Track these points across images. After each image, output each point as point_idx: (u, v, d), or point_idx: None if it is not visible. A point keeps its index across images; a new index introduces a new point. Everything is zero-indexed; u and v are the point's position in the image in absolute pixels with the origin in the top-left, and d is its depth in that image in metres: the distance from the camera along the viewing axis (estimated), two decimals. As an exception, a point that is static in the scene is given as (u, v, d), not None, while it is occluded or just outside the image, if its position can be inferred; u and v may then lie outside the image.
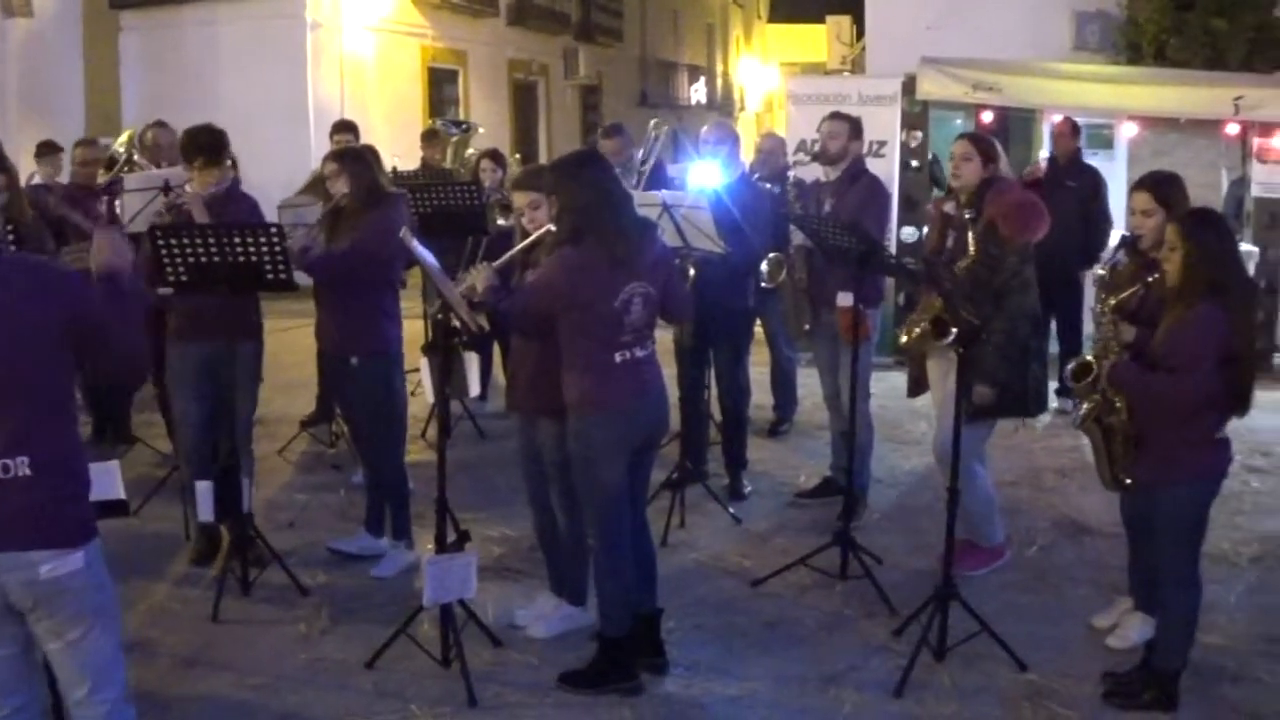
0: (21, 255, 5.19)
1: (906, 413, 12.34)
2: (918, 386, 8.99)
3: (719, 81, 50.88)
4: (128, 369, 5.27)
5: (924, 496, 10.42)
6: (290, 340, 14.49)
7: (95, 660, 4.87)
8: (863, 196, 9.49)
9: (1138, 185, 7.37)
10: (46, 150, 13.54)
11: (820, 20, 48.60)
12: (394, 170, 13.98)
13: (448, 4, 26.99)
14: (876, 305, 9.82)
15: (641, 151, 10.82)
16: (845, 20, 43.01)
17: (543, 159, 28.80)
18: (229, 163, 9.13)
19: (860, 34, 28.86)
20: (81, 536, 4.77)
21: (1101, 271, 7.25)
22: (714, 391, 10.43)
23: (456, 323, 6.99)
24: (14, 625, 4.76)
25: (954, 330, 7.58)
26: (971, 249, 8.23)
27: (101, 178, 11.62)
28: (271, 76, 23.21)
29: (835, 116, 9.79)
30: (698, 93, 46.37)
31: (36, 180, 13.11)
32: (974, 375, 7.80)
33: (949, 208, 8.63)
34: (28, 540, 4.61)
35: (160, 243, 7.93)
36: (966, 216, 8.36)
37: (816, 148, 9.92)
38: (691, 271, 9.17)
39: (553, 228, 6.84)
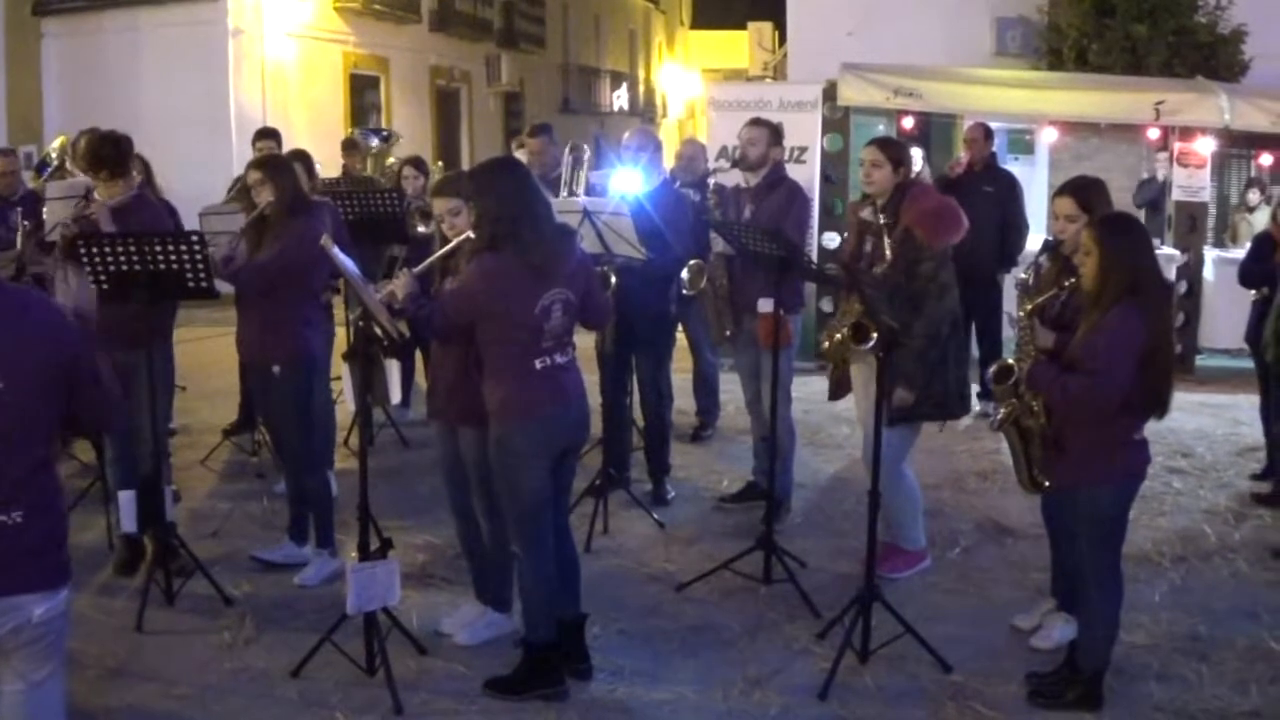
0: (20, 289, 5.12)
1: (828, 417, 12.42)
2: (839, 390, 9.02)
3: (641, 88, 50.89)
4: (113, 413, 5.22)
5: (846, 500, 10.49)
6: (211, 348, 14.46)
7: (47, 702, 4.86)
8: (782, 202, 9.54)
9: (1061, 190, 7.45)
10: None
11: (742, 27, 48.86)
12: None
13: (370, 10, 26.90)
14: (797, 311, 9.87)
15: (561, 171, 10.83)
16: (767, 26, 43.25)
17: (465, 166, 28.72)
18: (134, 172, 9.06)
19: (782, 40, 28.94)
20: (67, 576, 4.79)
21: (1023, 275, 7.31)
22: (636, 397, 10.48)
23: (378, 330, 6.99)
24: None
25: (874, 335, 7.64)
26: (888, 254, 8.28)
27: (33, 182, 11.54)
28: (193, 83, 23.08)
29: (755, 123, 9.83)
30: (620, 99, 46.37)
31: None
32: (894, 379, 7.86)
33: (865, 213, 8.68)
34: (23, 584, 4.60)
35: (82, 251, 7.90)
36: (882, 222, 8.41)
37: (737, 154, 9.97)
38: (613, 278, 9.20)
39: (472, 234, 6.85)
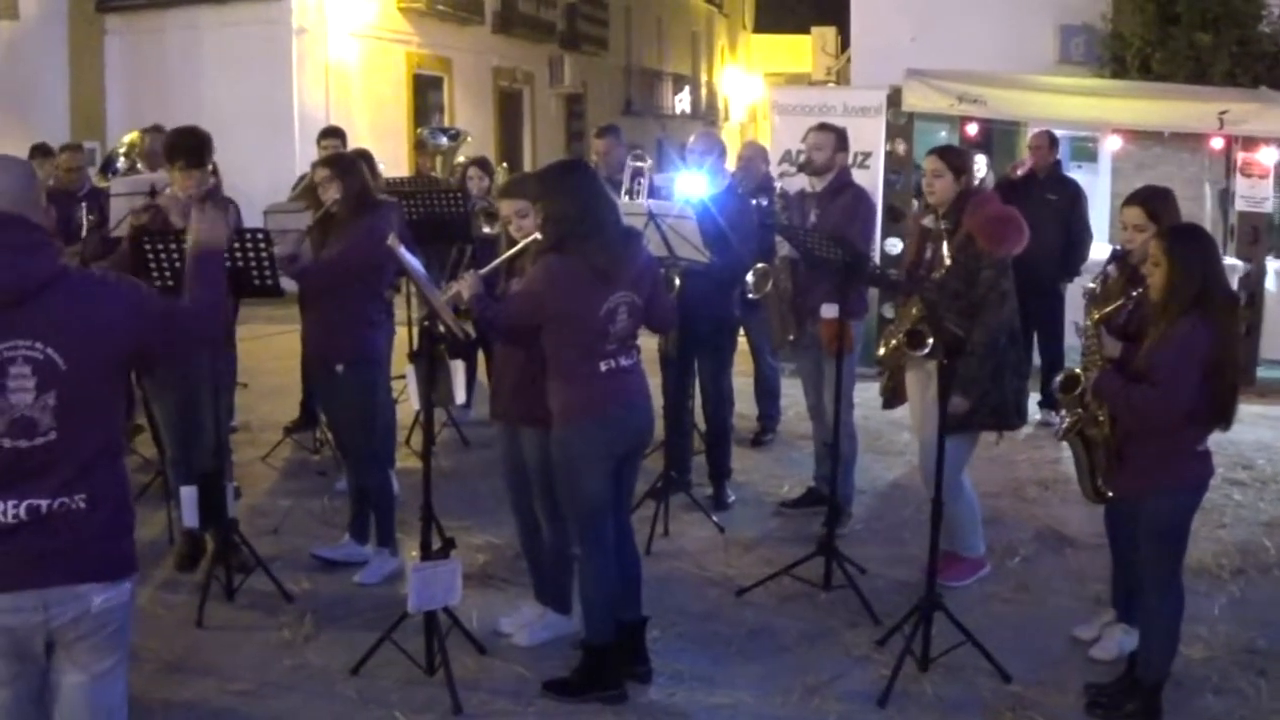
0: (90, 272, 5.14)
1: (888, 424, 12.36)
2: (894, 398, 9.00)
3: (703, 91, 50.84)
4: (202, 345, 5.27)
5: (906, 507, 10.44)
6: (274, 346, 14.51)
7: (109, 696, 4.84)
8: (848, 208, 9.52)
9: (1129, 200, 7.40)
10: (39, 154, 13.46)
11: (805, 31, 48.80)
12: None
13: (433, 11, 26.93)
14: (860, 317, 9.85)
15: (625, 181, 10.86)
16: (830, 31, 43.20)
17: (527, 167, 28.76)
18: (210, 167, 9.08)
19: (845, 45, 28.87)
20: (131, 568, 4.78)
21: (1091, 285, 7.27)
22: (697, 401, 10.46)
23: (441, 330, 7.00)
24: (39, 663, 4.71)
25: (929, 342, 7.62)
26: (947, 261, 8.26)
27: (99, 181, 11.59)
28: (256, 82, 23.10)
29: (821, 128, 9.81)
30: (682, 102, 46.34)
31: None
32: (953, 387, 7.82)
33: (927, 221, 8.66)
34: (83, 574, 4.59)
35: (146, 246, 7.93)
36: (943, 229, 8.39)
37: (802, 159, 9.95)
38: (677, 281, 9.18)
39: (539, 236, 6.86)
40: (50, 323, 4.45)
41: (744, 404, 11.96)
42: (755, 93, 54.64)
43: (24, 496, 4.47)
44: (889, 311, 14.05)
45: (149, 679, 7.29)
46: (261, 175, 17.72)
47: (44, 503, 4.49)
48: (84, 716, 4.79)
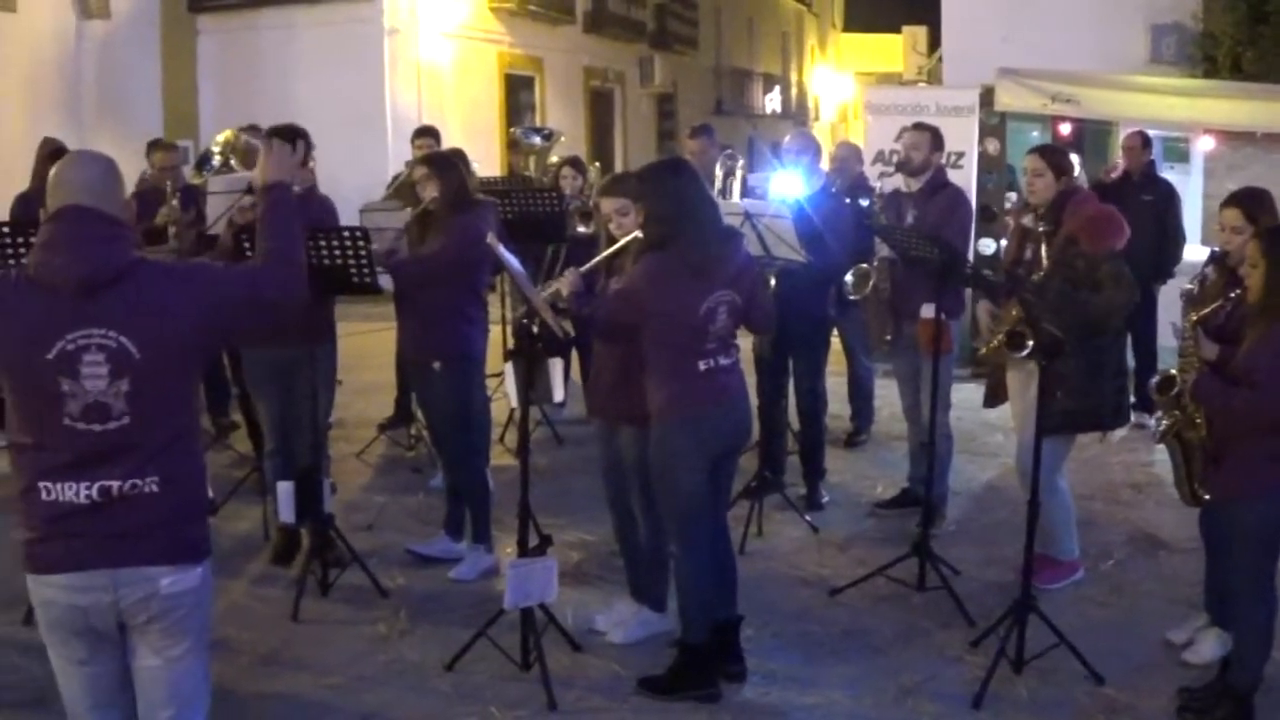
0: (163, 262, 5.19)
1: (982, 425, 12.31)
2: (995, 398, 8.97)
3: (793, 90, 50.75)
4: (285, 306, 5.13)
5: (999, 509, 10.38)
6: (366, 344, 14.58)
7: (187, 680, 4.87)
8: (946, 208, 9.51)
9: (1228, 201, 7.33)
10: (156, 149, 13.46)
11: (896, 30, 48.58)
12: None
13: (525, 11, 27.00)
14: (957, 317, 9.82)
15: (717, 181, 10.88)
16: (921, 30, 42.99)
17: (618, 167, 28.81)
18: (310, 165, 9.14)
19: (935, 44, 28.74)
20: (201, 554, 4.81)
21: (1189, 286, 7.22)
22: (792, 401, 10.45)
23: (536, 328, 7.02)
24: (115, 643, 4.76)
25: (1029, 343, 7.59)
26: (1046, 262, 8.23)
27: (195, 178, 11.67)
28: (348, 82, 23.16)
29: (918, 127, 9.80)
30: (772, 101, 46.30)
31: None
32: (1055, 388, 7.77)
33: (1026, 220, 8.62)
34: (152, 556, 4.63)
35: (245, 243, 7.99)
36: (1042, 230, 8.35)
37: (896, 159, 9.92)
38: (772, 281, 9.17)
39: (639, 234, 6.88)
40: (124, 312, 4.52)
41: (837, 404, 11.92)
42: (845, 92, 54.56)
43: (97, 479, 4.54)
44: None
45: (244, 671, 7.39)
46: (353, 175, 17.75)
47: (115, 484, 4.55)
48: (161, 700, 4.84)
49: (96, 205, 4.60)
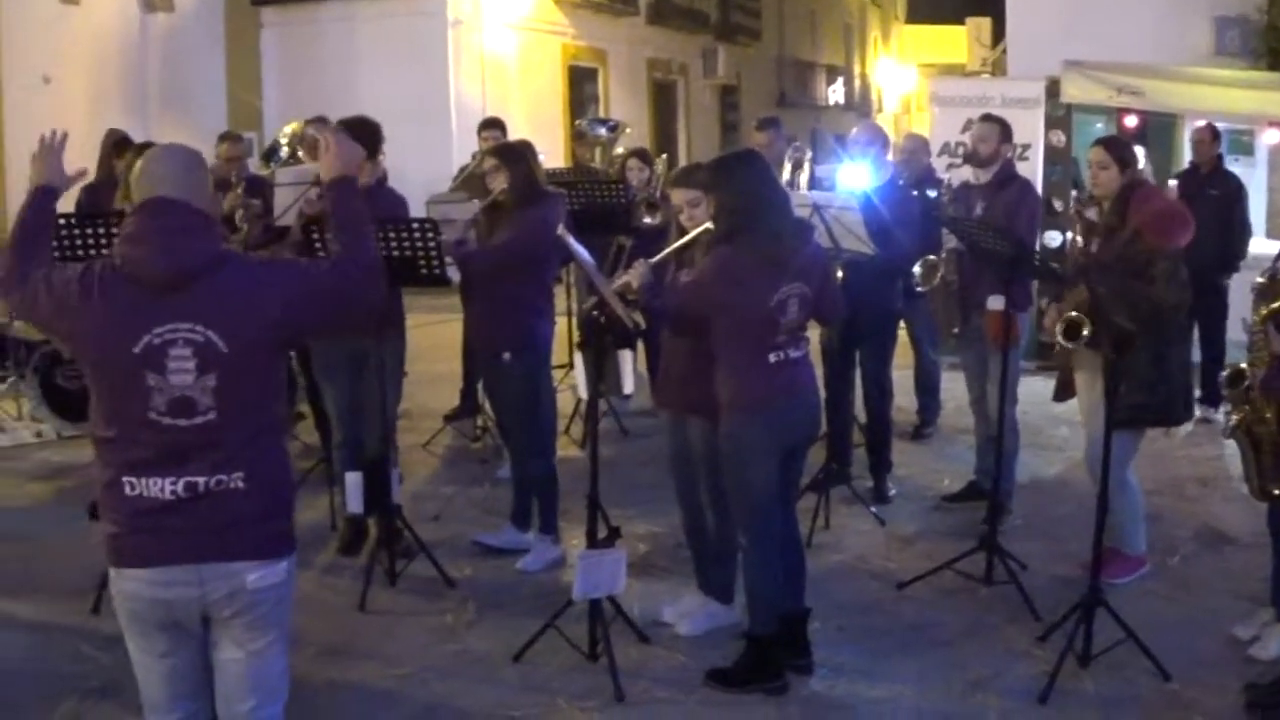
0: (250, 256, 5.20)
1: (1048, 419, 12.24)
2: (1064, 391, 8.92)
3: (856, 82, 50.70)
4: (362, 305, 5.05)
5: (1066, 503, 10.31)
6: (432, 334, 14.61)
7: (268, 673, 4.89)
8: (1014, 200, 9.44)
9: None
10: (226, 140, 13.49)
11: (959, 21, 48.27)
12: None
13: (588, 3, 27.09)
14: (1026, 309, 9.76)
15: (784, 173, 10.87)
16: (985, 22, 42.72)
17: (682, 159, 28.83)
18: (380, 157, 9.14)
19: (998, 36, 28.61)
20: (287, 548, 4.82)
21: (1260, 280, 7.17)
22: (858, 393, 10.43)
23: (604, 319, 7.02)
24: (197, 636, 4.78)
25: (1084, 334, 7.56)
26: (1109, 255, 8.19)
27: (261, 169, 11.70)
28: (412, 74, 23.29)
29: (986, 119, 9.74)
30: (835, 93, 46.26)
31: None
32: (1121, 382, 7.73)
33: (1091, 213, 8.56)
34: (238, 552, 4.64)
35: (314, 235, 8.02)
36: (1106, 223, 8.30)
37: (962, 151, 9.88)
38: (840, 273, 9.14)
39: (710, 226, 6.86)
40: (211, 306, 4.51)
41: (903, 397, 11.87)
42: (909, 83, 54.43)
43: (183, 474, 4.53)
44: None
45: (312, 661, 7.39)
46: (419, 167, 17.83)
47: (202, 480, 4.54)
48: (242, 692, 4.85)
49: (182, 197, 4.59)
